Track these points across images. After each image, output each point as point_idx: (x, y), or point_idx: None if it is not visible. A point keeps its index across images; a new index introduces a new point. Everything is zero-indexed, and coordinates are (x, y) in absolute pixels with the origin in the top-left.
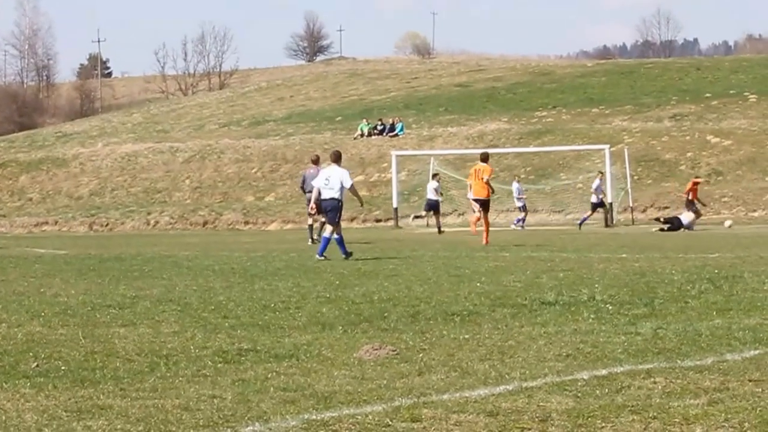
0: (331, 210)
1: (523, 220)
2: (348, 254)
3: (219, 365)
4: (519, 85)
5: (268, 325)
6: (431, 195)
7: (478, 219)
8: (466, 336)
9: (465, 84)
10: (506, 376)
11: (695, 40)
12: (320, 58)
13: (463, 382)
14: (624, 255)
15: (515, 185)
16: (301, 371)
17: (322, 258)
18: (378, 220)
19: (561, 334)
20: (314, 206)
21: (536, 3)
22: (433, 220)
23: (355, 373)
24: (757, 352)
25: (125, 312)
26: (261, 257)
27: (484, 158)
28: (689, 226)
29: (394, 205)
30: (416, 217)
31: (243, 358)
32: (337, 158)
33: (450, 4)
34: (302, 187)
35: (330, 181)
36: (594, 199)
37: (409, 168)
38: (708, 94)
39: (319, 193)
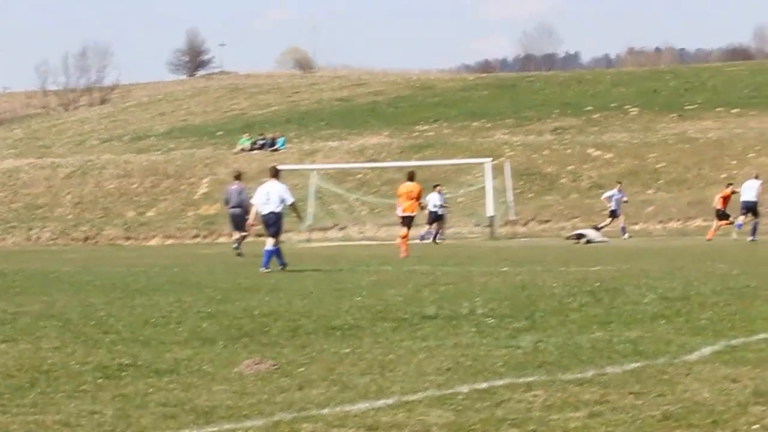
0: (272, 224)
1: (438, 232)
2: (284, 264)
3: (99, 381)
4: (400, 99)
5: (149, 341)
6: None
7: (407, 235)
8: (347, 350)
9: (346, 98)
10: (386, 390)
11: (576, 53)
12: (201, 72)
13: (343, 396)
14: (506, 268)
15: (436, 195)
16: (181, 386)
17: (267, 270)
18: (259, 235)
19: (441, 348)
20: (252, 222)
21: (417, 17)
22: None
23: (236, 387)
24: (637, 364)
25: (6, 328)
26: (142, 272)
27: (411, 177)
28: (593, 239)
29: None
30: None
31: (123, 374)
32: (275, 174)
33: (332, 18)
34: (226, 202)
35: (270, 196)
36: (613, 206)
37: (291, 182)
38: (589, 108)
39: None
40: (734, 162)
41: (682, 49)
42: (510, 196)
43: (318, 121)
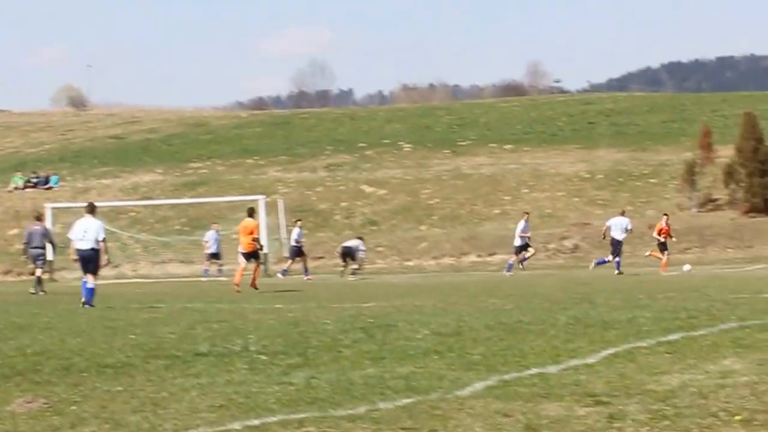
0: (89, 260)
1: (305, 270)
2: (91, 304)
3: None
4: (174, 136)
5: None
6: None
7: (244, 270)
8: (119, 388)
9: (120, 136)
10: (159, 427)
11: (350, 90)
12: None
13: None
14: (279, 305)
15: (297, 231)
16: None
17: (92, 306)
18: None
19: (214, 385)
20: (76, 258)
21: (192, 54)
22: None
23: (8, 426)
24: (409, 400)
25: None
26: None
27: (250, 214)
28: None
29: (50, 258)
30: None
31: None
32: (91, 210)
33: (106, 56)
34: (26, 243)
35: (87, 233)
36: (518, 242)
37: (64, 221)
38: (362, 144)
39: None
40: (507, 198)
41: (456, 86)
42: (284, 233)
43: (91, 158)
